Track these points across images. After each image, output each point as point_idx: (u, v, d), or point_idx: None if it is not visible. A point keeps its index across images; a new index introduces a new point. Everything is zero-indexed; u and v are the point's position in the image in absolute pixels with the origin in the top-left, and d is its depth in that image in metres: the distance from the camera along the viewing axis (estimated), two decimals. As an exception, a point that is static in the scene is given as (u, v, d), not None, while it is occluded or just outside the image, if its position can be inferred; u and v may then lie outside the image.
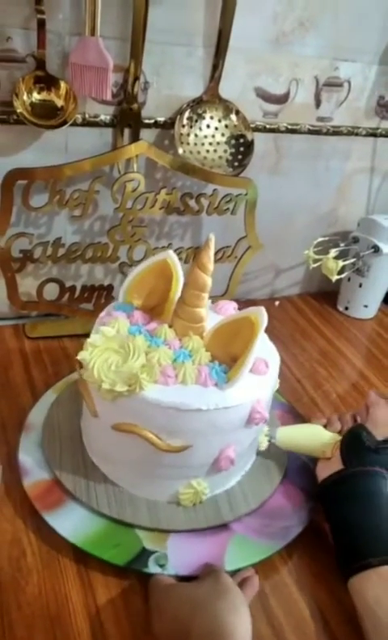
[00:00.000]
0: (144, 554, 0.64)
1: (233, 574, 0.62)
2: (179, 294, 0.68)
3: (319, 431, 0.75)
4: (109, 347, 0.63)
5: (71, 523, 0.66)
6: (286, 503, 0.72)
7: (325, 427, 0.76)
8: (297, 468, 0.77)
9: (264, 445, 0.75)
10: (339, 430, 0.75)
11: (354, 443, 0.69)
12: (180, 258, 0.98)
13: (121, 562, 0.63)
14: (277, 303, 1.19)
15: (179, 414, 0.61)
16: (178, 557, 0.64)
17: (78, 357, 0.63)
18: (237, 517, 0.69)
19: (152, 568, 0.62)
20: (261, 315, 0.62)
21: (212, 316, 0.69)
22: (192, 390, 0.62)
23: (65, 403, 0.80)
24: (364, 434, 0.69)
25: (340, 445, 0.70)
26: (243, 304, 0.82)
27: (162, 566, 0.63)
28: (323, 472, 0.70)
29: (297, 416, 0.86)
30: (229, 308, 0.74)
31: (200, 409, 0.61)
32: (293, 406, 0.88)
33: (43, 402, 0.81)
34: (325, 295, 1.23)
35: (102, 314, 0.70)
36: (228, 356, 0.66)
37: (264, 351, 0.68)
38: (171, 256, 0.69)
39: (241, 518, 0.70)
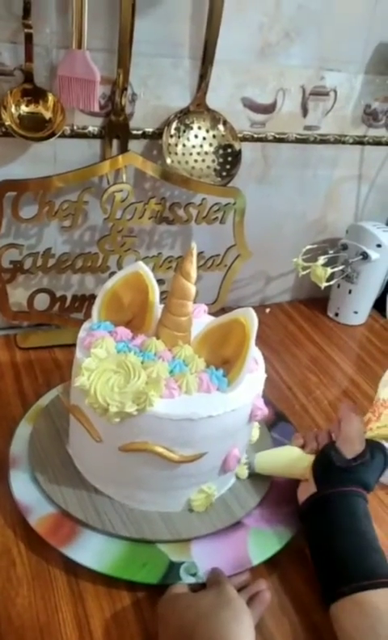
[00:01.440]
0: (173, 567, 0.64)
1: (240, 588, 0.61)
2: (157, 304, 0.68)
3: (297, 454, 0.73)
4: (106, 369, 0.62)
5: (92, 552, 0.64)
6: (286, 487, 0.73)
7: (303, 447, 0.74)
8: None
9: (244, 475, 0.74)
10: (315, 450, 0.72)
11: (324, 463, 0.68)
12: (170, 267, 1.00)
13: (155, 581, 0.62)
14: (268, 310, 1.20)
15: (192, 425, 0.61)
16: (206, 562, 0.65)
17: (77, 384, 0.61)
18: (248, 512, 0.71)
19: (186, 579, 0.63)
20: (250, 316, 0.63)
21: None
22: (198, 399, 0.63)
23: (43, 432, 0.77)
24: (333, 453, 0.67)
25: (312, 467, 0.69)
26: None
27: (194, 574, 0.63)
28: (302, 495, 0.69)
29: (269, 403, 0.82)
30: (201, 311, 0.75)
31: (211, 415, 0.61)
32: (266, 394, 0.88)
33: (19, 434, 0.77)
34: (315, 301, 1.24)
35: (81, 335, 0.68)
36: (219, 359, 0.66)
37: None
38: (142, 267, 0.69)
39: (251, 512, 0.71)
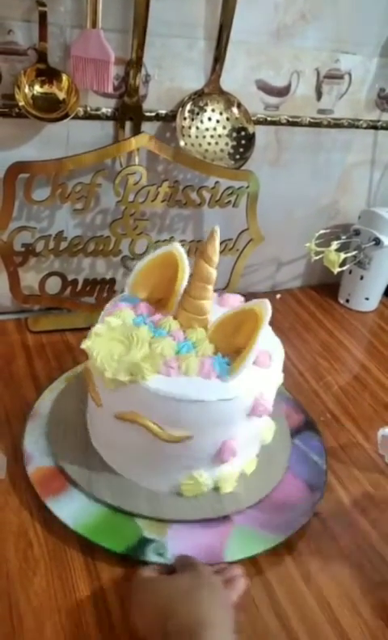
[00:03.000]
0: (143, 543, 0.65)
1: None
2: (184, 286, 0.68)
3: None
4: (113, 337, 0.64)
5: (72, 510, 0.66)
6: (289, 495, 0.73)
7: None
8: (300, 459, 0.77)
9: (269, 439, 0.75)
10: None
11: None
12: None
13: (120, 550, 0.63)
14: (278, 296, 1.19)
15: (180, 405, 0.61)
16: (177, 547, 0.65)
17: (83, 346, 0.64)
18: (239, 510, 0.69)
19: (150, 556, 0.63)
20: (265, 307, 0.63)
21: (217, 308, 0.69)
22: (194, 382, 0.62)
23: (73, 393, 0.81)
24: None
25: None
26: (245, 297, 0.83)
27: (160, 554, 0.63)
28: None
29: (303, 412, 0.86)
30: (235, 301, 0.74)
31: (201, 400, 0.61)
32: (299, 402, 0.88)
33: (51, 390, 0.82)
34: (326, 288, 1.23)
35: (107, 306, 0.70)
36: (232, 348, 0.66)
37: (268, 344, 0.68)
38: (177, 248, 0.69)
39: (243, 510, 0.70)
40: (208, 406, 0.62)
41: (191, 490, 0.69)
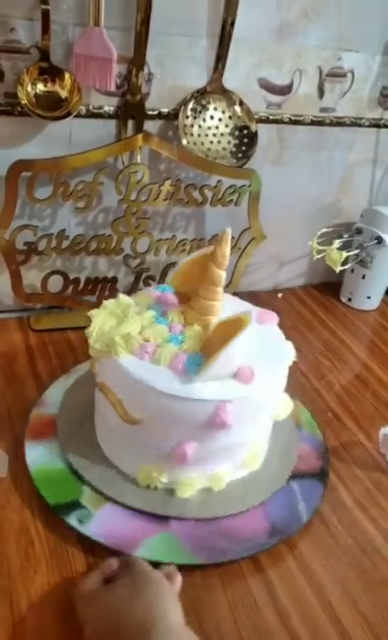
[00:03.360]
0: (74, 506, 0.67)
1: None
2: None
3: None
4: (114, 312, 0.67)
5: (40, 456, 0.71)
6: (242, 530, 0.68)
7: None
8: (283, 504, 0.71)
9: (253, 466, 0.72)
10: None
11: None
12: (184, 250, 0.99)
13: (51, 502, 0.66)
14: (280, 295, 1.19)
15: (136, 387, 0.63)
16: (100, 524, 0.65)
17: (88, 313, 0.67)
18: (178, 516, 0.68)
19: (71, 520, 0.65)
20: (247, 319, 0.63)
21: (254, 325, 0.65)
22: (160, 371, 0.63)
23: (76, 390, 0.83)
24: None
25: None
26: (247, 296, 0.83)
27: (81, 522, 0.65)
28: None
29: (323, 459, 0.78)
30: (272, 319, 0.74)
31: (155, 388, 0.61)
32: (327, 449, 0.80)
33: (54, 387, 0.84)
34: (328, 286, 1.23)
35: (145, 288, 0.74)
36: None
37: (259, 362, 0.65)
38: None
39: (186, 520, 0.68)
40: (162, 398, 0.62)
41: (143, 479, 0.69)
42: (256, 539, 0.67)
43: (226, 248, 0.63)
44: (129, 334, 0.64)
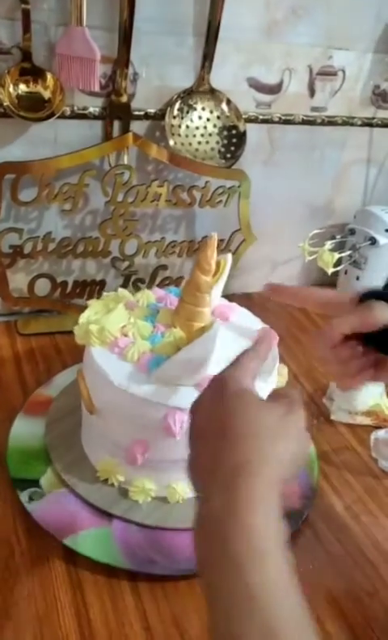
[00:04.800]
0: (29, 483, 0.68)
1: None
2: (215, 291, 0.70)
3: None
4: (107, 304, 0.69)
5: (22, 431, 0.74)
6: (179, 548, 0.64)
7: None
8: None
9: (172, 499, 0.69)
10: None
11: None
12: (173, 252, 0.98)
13: (11, 474, 0.69)
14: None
15: (97, 377, 0.64)
16: (48, 506, 0.66)
17: (88, 301, 0.71)
18: (120, 517, 0.66)
19: (22, 495, 0.66)
20: (213, 325, 0.62)
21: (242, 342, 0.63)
22: (123, 366, 0.64)
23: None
24: None
25: None
26: (239, 298, 0.81)
27: (31, 500, 0.66)
28: None
29: (305, 506, 0.72)
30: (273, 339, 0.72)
31: (111, 381, 0.62)
32: (311, 496, 0.73)
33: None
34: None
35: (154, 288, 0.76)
36: None
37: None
38: (227, 258, 0.72)
39: (128, 523, 0.66)
40: (114, 390, 0.62)
41: (102, 473, 0.69)
42: (190, 561, 0.63)
43: (211, 254, 0.62)
44: (104, 327, 0.65)
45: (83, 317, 0.67)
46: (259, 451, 0.42)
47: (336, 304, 0.55)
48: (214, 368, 0.55)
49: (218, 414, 0.45)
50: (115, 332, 0.66)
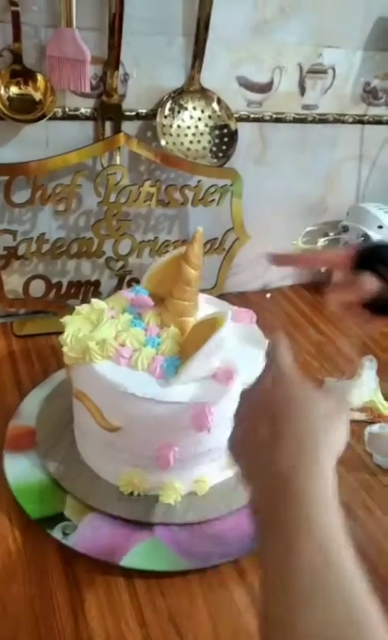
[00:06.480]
0: (58, 519, 0.65)
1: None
2: None
3: None
4: (88, 317, 0.65)
5: (20, 468, 0.70)
6: (227, 531, 0.67)
7: None
8: None
9: (203, 490, 0.70)
10: None
11: None
12: (167, 252, 0.98)
13: (34, 516, 0.65)
14: (268, 295, 1.18)
15: (114, 394, 0.61)
16: (86, 534, 0.64)
17: (61, 319, 0.65)
18: (161, 522, 0.67)
19: (55, 533, 0.63)
20: (223, 317, 0.61)
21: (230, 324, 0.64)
22: (138, 375, 0.62)
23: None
24: None
25: None
26: (235, 297, 0.81)
27: (66, 535, 0.64)
28: None
29: None
30: (247, 317, 0.73)
31: (134, 394, 0.60)
32: None
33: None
34: (317, 286, 1.22)
35: (120, 291, 0.73)
36: None
37: (238, 362, 0.65)
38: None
39: (170, 526, 0.67)
40: (142, 403, 0.61)
41: (126, 486, 0.68)
42: (239, 542, 0.65)
43: (199, 248, 0.62)
44: (105, 340, 0.63)
45: (68, 336, 0.64)
46: (313, 442, 0.45)
47: (337, 262, 0.61)
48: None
49: (277, 397, 0.49)
50: (115, 343, 0.63)
